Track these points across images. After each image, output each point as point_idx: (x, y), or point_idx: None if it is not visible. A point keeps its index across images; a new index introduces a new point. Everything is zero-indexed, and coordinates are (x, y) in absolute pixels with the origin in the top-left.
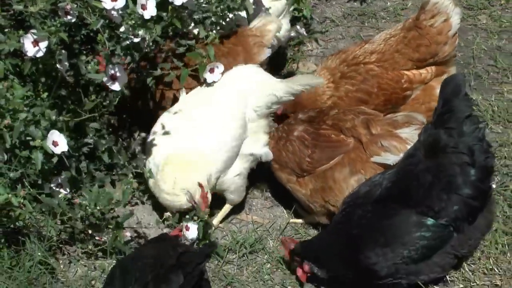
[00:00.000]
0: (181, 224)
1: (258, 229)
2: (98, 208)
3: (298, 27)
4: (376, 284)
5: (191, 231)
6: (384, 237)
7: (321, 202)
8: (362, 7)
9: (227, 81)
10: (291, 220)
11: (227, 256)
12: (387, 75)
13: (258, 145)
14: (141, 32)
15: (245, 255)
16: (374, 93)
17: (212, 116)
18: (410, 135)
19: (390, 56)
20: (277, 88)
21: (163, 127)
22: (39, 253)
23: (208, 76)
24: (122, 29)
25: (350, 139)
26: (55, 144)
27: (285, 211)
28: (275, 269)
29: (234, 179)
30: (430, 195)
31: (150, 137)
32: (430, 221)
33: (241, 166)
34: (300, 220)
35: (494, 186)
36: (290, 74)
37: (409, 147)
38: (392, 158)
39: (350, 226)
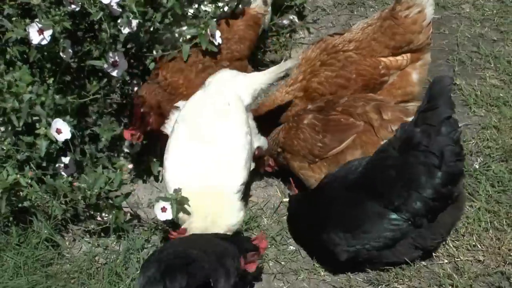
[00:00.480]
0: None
1: (252, 207)
2: (95, 191)
3: (290, 16)
4: (339, 263)
5: (168, 212)
6: (348, 223)
7: None
8: None
9: (222, 87)
10: (284, 200)
11: None
12: (365, 62)
13: (258, 137)
14: (134, 22)
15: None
16: (352, 78)
17: (228, 135)
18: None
19: (367, 44)
20: (262, 81)
21: (180, 158)
22: (45, 231)
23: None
24: (124, 17)
25: (360, 122)
26: (58, 131)
27: (278, 190)
28: (269, 246)
29: None
30: (392, 190)
31: (168, 170)
32: (392, 214)
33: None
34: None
35: (477, 166)
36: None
37: None
38: None
39: (322, 205)
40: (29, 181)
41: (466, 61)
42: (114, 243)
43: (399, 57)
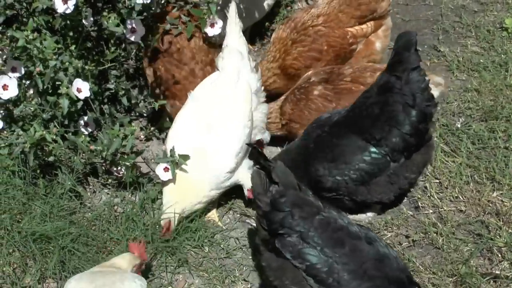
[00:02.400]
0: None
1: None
2: (110, 151)
3: None
4: (324, 198)
5: (169, 172)
6: (332, 154)
7: None
8: None
9: (234, 72)
10: None
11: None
12: (334, 33)
13: (263, 131)
14: None
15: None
16: (324, 50)
17: (227, 124)
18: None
19: (334, 16)
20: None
21: (180, 133)
22: (69, 183)
23: (209, 30)
24: None
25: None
26: (79, 90)
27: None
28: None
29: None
30: (375, 125)
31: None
32: (372, 148)
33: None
34: None
35: (459, 125)
36: None
37: None
38: None
39: (308, 143)
40: (54, 137)
41: (449, 30)
42: (131, 194)
43: (363, 26)
